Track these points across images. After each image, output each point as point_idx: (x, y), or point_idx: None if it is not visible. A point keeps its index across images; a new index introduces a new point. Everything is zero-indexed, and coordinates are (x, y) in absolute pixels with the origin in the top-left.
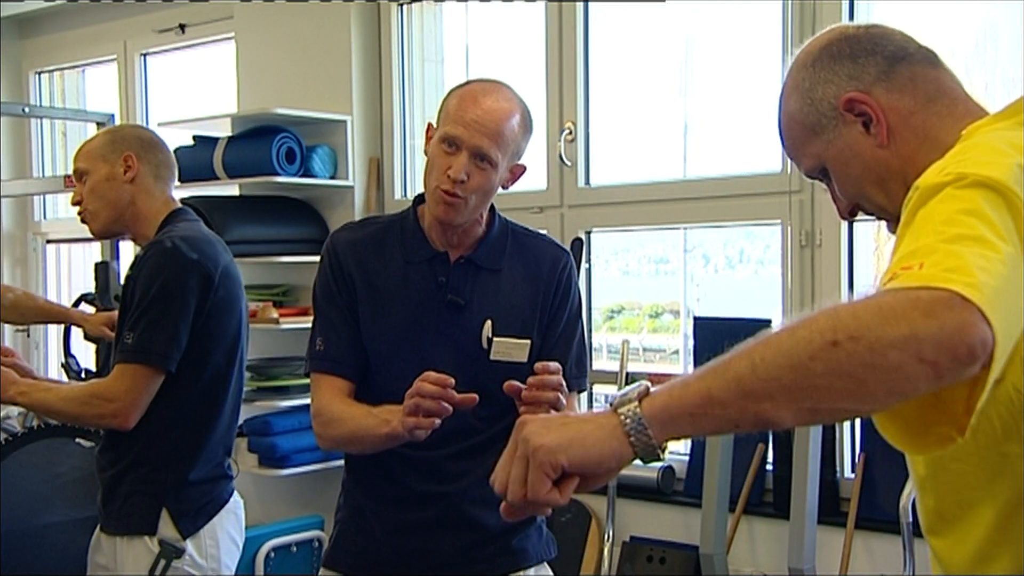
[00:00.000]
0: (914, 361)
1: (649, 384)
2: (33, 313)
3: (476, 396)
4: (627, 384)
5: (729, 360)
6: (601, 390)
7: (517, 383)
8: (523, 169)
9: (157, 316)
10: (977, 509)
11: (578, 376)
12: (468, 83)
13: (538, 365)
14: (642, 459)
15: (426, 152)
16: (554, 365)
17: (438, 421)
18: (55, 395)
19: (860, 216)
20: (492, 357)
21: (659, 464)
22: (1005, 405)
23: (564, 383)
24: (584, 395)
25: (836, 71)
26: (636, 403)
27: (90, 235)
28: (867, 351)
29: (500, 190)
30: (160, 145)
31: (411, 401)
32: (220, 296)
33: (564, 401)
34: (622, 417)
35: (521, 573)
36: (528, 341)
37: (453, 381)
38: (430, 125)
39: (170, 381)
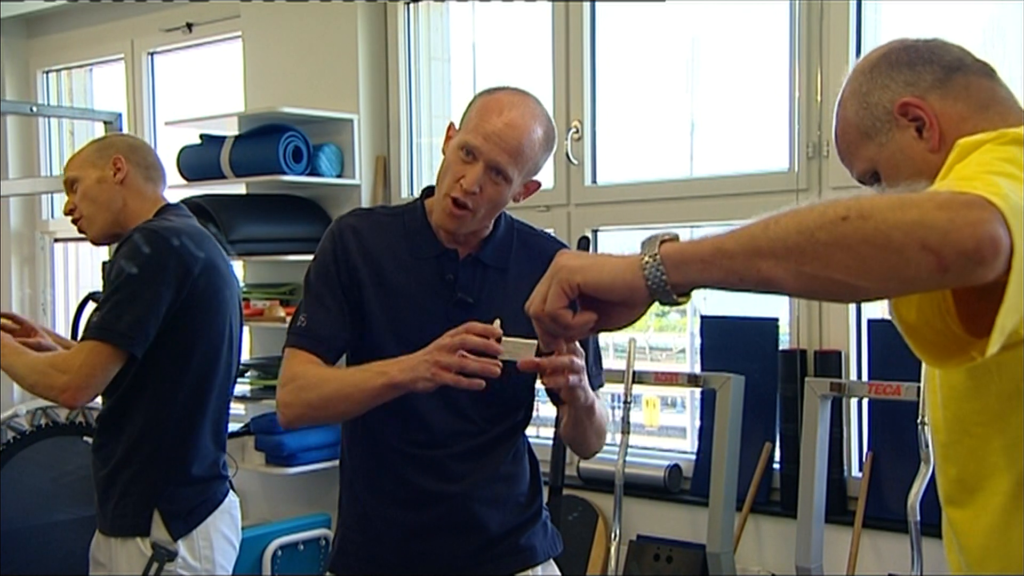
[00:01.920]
0: (917, 246)
1: (678, 234)
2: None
3: (498, 368)
4: (633, 383)
5: (749, 223)
6: (608, 389)
7: (534, 359)
8: (537, 185)
9: (125, 297)
10: (997, 477)
11: (597, 374)
12: (496, 90)
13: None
14: (655, 297)
15: (444, 152)
16: (563, 349)
17: (461, 379)
18: (23, 360)
19: None
20: (500, 357)
21: (666, 463)
22: (1021, 368)
23: (584, 360)
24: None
25: (894, 77)
26: (658, 244)
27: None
28: (872, 229)
29: (511, 202)
30: (148, 149)
31: (458, 339)
32: (201, 288)
33: (585, 375)
34: (643, 255)
35: (529, 571)
36: (535, 342)
37: (501, 333)
38: (451, 125)
39: (154, 376)
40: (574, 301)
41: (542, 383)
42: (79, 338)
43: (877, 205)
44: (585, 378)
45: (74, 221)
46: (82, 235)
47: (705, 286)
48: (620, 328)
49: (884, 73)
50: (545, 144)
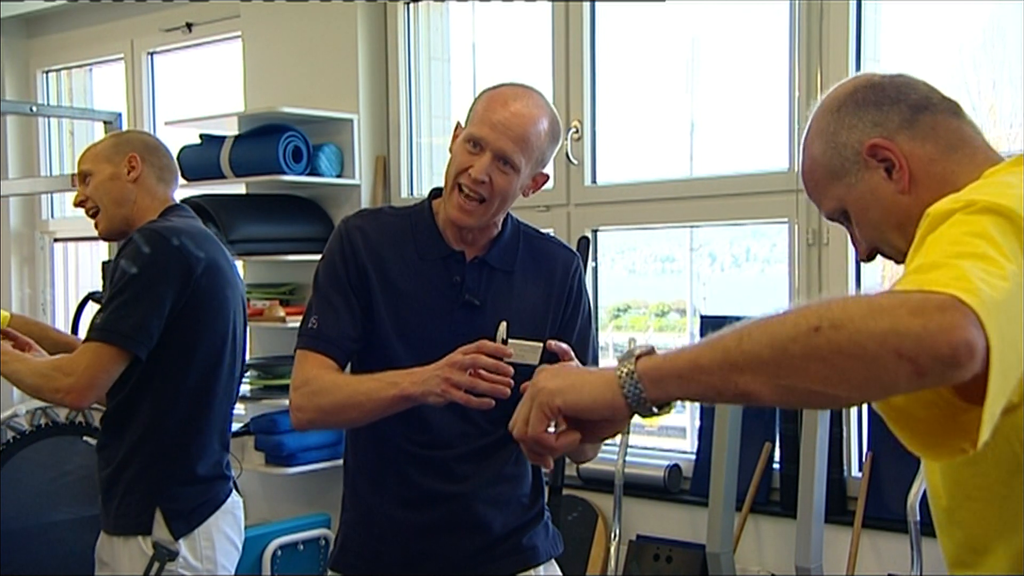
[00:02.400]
0: (892, 355)
1: (654, 346)
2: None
3: (508, 389)
4: None
5: (722, 334)
6: None
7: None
8: (546, 178)
9: (129, 298)
10: (1008, 537)
11: None
12: (499, 86)
13: (555, 345)
14: (636, 413)
15: (451, 151)
16: (570, 355)
17: (470, 397)
18: (26, 365)
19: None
20: (506, 359)
21: (666, 463)
22: (1017, 433)
23: None
24: None
25: (861, 117)
26: (634, 360)
27: (97, 234)
28: (846, 340)
29: (520, 197)
30: (163, 149)
31: (469, 358)
32: (203, 288)
33: None
34: (619, 371)
35: (531, 571)
36: (541, 344)
37: (512, 352)
38: (458, 124)
39: (158, 376)
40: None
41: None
42: (83, 339)
43: (849, 313)
44: None
45: (87, 212)
46: (92, 233)
47: (684, 399)
48: (603, 440)
49: (851, 112)
50: (551, 135)
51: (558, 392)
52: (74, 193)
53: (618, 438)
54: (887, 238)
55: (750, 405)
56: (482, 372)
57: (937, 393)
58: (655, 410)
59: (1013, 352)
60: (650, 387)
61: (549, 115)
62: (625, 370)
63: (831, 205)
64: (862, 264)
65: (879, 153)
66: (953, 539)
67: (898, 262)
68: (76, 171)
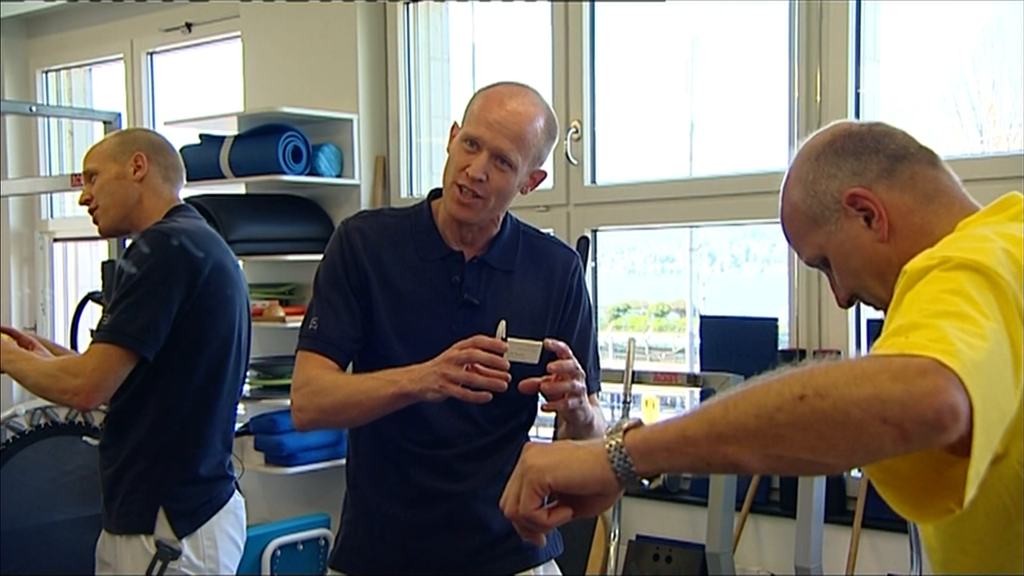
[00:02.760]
0: (877, 421)
1: (642, 419)
2: None
3: (505, 383)
4: (633, 383)
5: (708, 405)
6: (607, 389)
7: (534, 379)
8: (543, 175)
9: (137, 300)
10: None
11: (596, 377)
12: (495, 85)
13: (551, 343)
14: (627, 487)
15: (448, 150)
16: (568, 354)
17: (467, 392)
18: (33, 365)
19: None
20: (506, 357)
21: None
22: (1012, 481)
23: (584, 379)
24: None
25: (840, 166)
26: (622, 434)
27: (96, 234)
28: (831, 407)
29: (519, 194)
30: (170, 148)
31: (465, 352)
32: (210, 290)
33: (585, 395)
34: (608, 446)
35: (531, 571)
36: (540, 343)
37: (507, 347)
38: (455, 124)
39: (162, 376)
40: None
41: (542, 409)
42: (90, 340)
43: (832, 380)
44: (585, 398)
45: (91, 211)
46: (91, 233)
47: (673, 472)
48: (595, 514)
49: (830, 161)
50: (547, 133)
51: (548, 469)
52: (74, 193)
53: None
54: (867, 286)
55: (737, 475)
56: (479, 367)
57: (921, 460)
58: (645, 483)
59: (995, 410)
60: (639, 461)
61: (545, 113)
62: (613, 444)
63: (811, 252)
64: None
65: (859, 202)
66: None
67: (877, 308)
68: (81, 170)
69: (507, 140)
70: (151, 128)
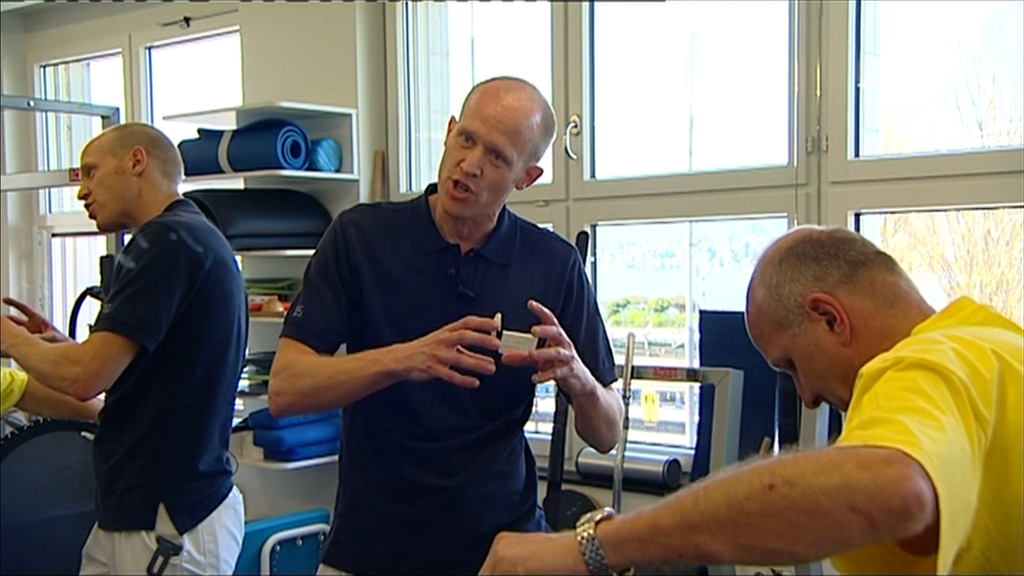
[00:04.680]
0: (845, 509)
1: (613, 511)
2: (55, 404)
3: (492, 367)
4: (632, 378)
5: (679, 495)
6: None
7: (520, 352)
8: (540, 171)
9: (138, 291)
10: None
11: (611, 368)
12: (492, 79)
13: (537, 329)
14: None
15: (445, 144)
16: (551, 319)
17: (454, 375)
18: (36, 350)
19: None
20: (500, 351)
21: (665, 458)
22: (973, 572)
23: (572, 347)
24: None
25: (802, 271)
26: (594, 525)
27: (94, 228)
28: (800, 496)
29: (515, 190)
30: (168, 143)
31: (456, 334)
32: (211, 285)
33: (577, 363)
34: (579, 537)
35: None
36: (535, 337)
37: (499, 324)
38: (453, 118)
39: (163, 371)
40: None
41: (532, 379)
42: (91, 329)
43: (800, 470)
44: (577, 364)
45: (88, 205)
46: (90, 228)
47: (645, 564)
48: None
49: (792, 266)
50: (544, 128)
51: (520, 561)
52: (72, 188)
53: None
54: (831, 387)
55: (710, 565)
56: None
57: (886, 548)
58: (615, 575)
59: (959, 500)
60: (611, 552)
61: (542, 108)
62: (585, 535)
63: (777, 354)
64: None
65: (821, 306)
66: None
67: (841, 410)
68: (79, 164)
69: (502, 135)
70: (149, 123)
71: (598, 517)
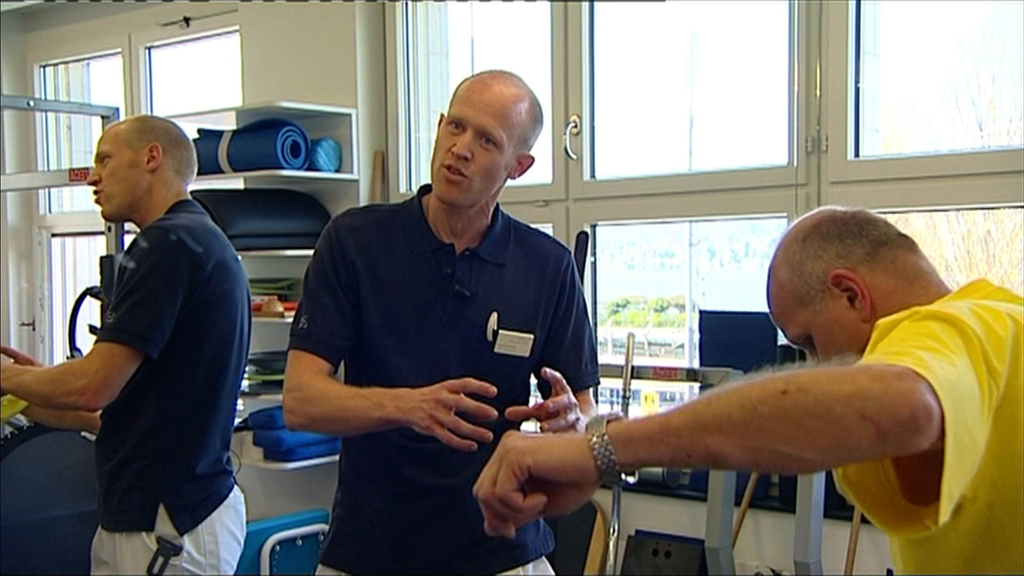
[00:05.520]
0: (856, 417)
1: (621, 414)
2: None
3: (490, 436)
4: (632, 378)
5: (692, 400)
6: (607, 384)
7: (522, 409)
8: (531, 160)
9: (141, 298)
10: None
11: (593, 372)
12: (479, 73)
13: (548, 373)
14: (604, 478)
15: (436, 140)
16: (563, 385)
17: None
18: (32, 375)
19: None
20: (496, 350)
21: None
22: (974, 526)
23: (576, 383)
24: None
25: (825, 248)
26: (605, 424)
27: (94, 228)
28: (812, 402)
29: (509, 181)
30: (186, 141)
31: (453, 399)
32: (213, 287)
33: (578, 411)
34: (590, 435)
35: (519, 570)
36: (532, 336)
37: (495, 391)
38: (442, 116)
39: (164, 372)
40: (523, 484)
41: (542, 427)
42: (94, 340)
43: (815, 378)
44: (575, 413)
45: (96, 192)
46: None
47: (654, 464)
48: (569, 510)
49: (816, 244)
50: (532, 115)
51: (528, 452)
52: (72, 188)
53: None
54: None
55: (717, 468)
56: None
57: (888, 495)
58: (623, 476)
59: (966, 433)
60: (620, 450)
61: (530, 96)
62: (596, 434)
63: (797, 331)
64: None
65: (843, 283)
66: None
67: None
68: (95, 151)
69: (490, 117)
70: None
71: (608, 417)
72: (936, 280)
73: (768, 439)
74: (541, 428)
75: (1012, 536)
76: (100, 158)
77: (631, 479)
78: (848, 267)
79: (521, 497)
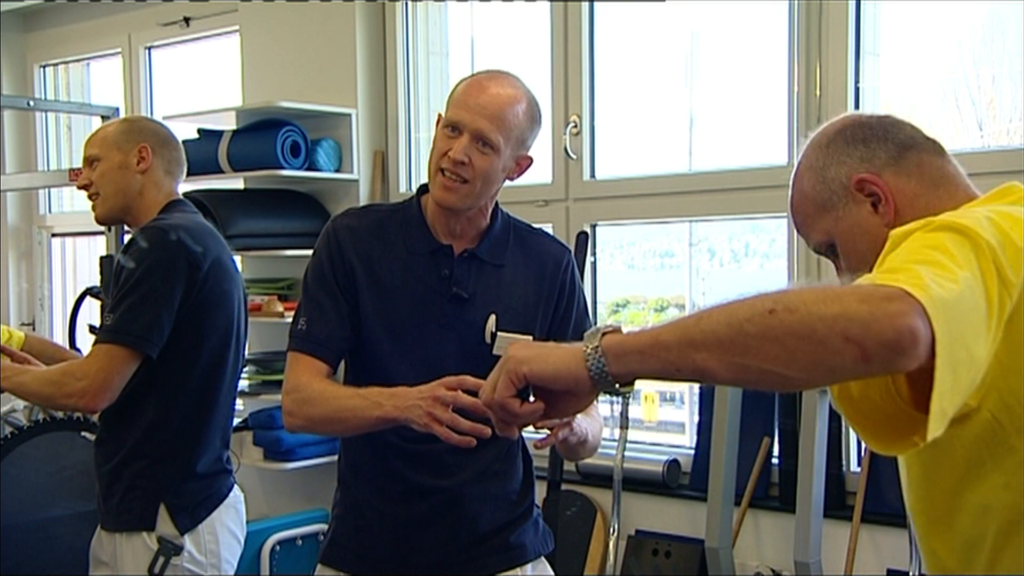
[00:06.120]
0: (840, 338)
1: (619, 325)
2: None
3: (488, 431)
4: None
5: (683, 316)
6: None
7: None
8: (530, 161)
9: (139, 299)
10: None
11: (590, 324)
12: (476, 74)
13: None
14: (599, 387)
15: (433, 141)
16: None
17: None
18: (31, 376)
19: None
20: (495, 352)
21: (665, 458)
22: (978, 433)
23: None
24: None
25: (849, 153)
26: (600, 336)
27: (94, 228)
28: (797, 322)
29: (507, 182)
30: (174, 142)
31: (451, 395)
32: (210, 287)
33: (577, 423)
34: (586, 346)
35: (517, 570)
36: (530, 337)
37: (494, 326)
38: (439, 116)
39: (163, 372)
40: (526, 391)
41: (535, 427)
42: (93, 341)
43: (803, 298)
44: (576, 424)
45: (89, 196)
46: (89, 228)
47: (645, 376)
48: (568, 416)
49: (840, 149)
50: (530, 116)
51: (525, 361)
52: (72, 188)
53: (616, 433)
54: (872, 270)
55: (705, 383)
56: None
57: (893, 401)
58: (617, 386)
59: (963, 350)
60: (613, 362)
61: (527, 97)
62: (591, 346)
63: (819, 238)
64: None
65: (866, 187)
66: (950, 546)
67: None
68: (78, 163)
69: (487, 121)
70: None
71: (604, 330)
72: (963, 184)
73: (752, 357)
74: (535, 427)
75: (1016, 444)
76: (88, 162)
77: (628, 390)
78: (872, 171)
79: (519, 403)
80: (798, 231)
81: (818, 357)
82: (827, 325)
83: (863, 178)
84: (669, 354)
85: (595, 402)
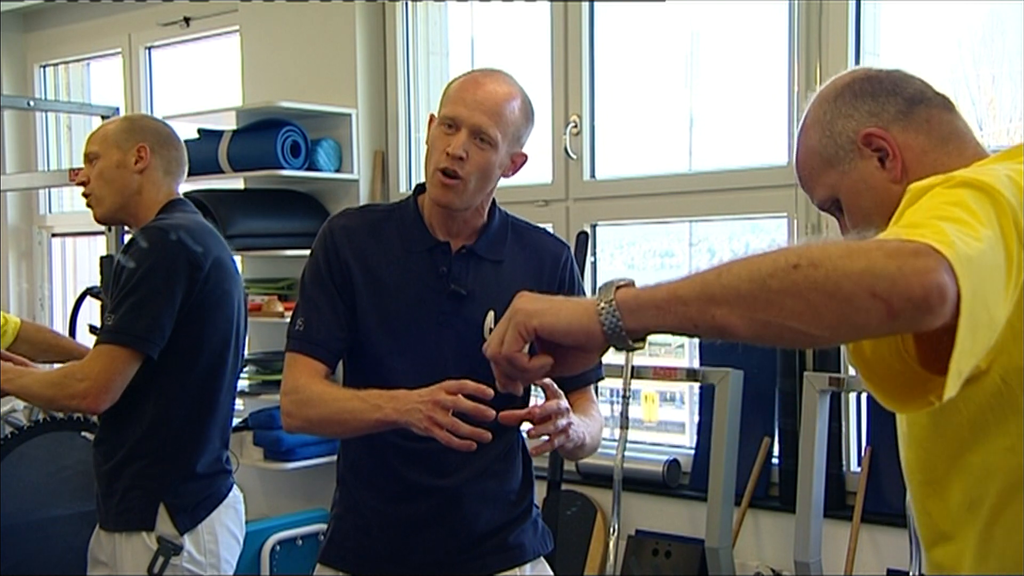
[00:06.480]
0: (866, 295)
1: (634, 280)
2: (46, 349)
3: (489, 436)
4: (632, 378)
5: (703, 269)
6: (607, 383)
7: (514, 413)
8: (524, 158)
9: (140, 300)
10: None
11: (595, 368)
12: (469, 72)
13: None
14: (611, 343)
15: (427, 141)
16: (553, 390)
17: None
18: (33, 378)
19: None
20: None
21: (665, 458)
22: (985, 395)
23: (578, 380)
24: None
25: (857, 107)
26: (614, 290)
27: (94, 228)
28: (823, 277)
29: (502, 180)
30: (175, 141)
31: (451, 400)
32: (210, 287)
33: (574, 428)
34: (599, 300)
35: (516, 571)
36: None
37: (492, 394)
38: (432, 116)
39: (163, 372)
40: (532, 345)
41: (529, 435)
42: (95, 342)
43: (828, 253)
44: (573, 429)
45: (85, 194)
46: (89, 228)
47: (661, 331)
48: (576, 373)
49: (848, 102)
50: (524, 113)
51: (536, 314)
52: (72, 188)
53: (617, 433)
54: (878, 227)
55: (724, 339)
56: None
57: (903, 362)
58: (630, 342)
59: (984, 310)
60: (627, 316)
61: (521, 94)
62: (605, 299)
63: (823, 193)
64: None
65: (873, 142)
66: (946, 504)
67: None
68: (79, 163)
69: (485, 116)
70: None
71: (618, 283)
72: (972, 141)
73: (776, 314)
74: (529, 434)
75: (1022, 408)
76: (89, 158)
77: (640, 346)
78: (880, 126)
79: (527, 357)
80: (802, 186)
81: (843, 314)
82: (853, 281)
83: (871, 132)
84: (688, 309)
85: (595, 401)
